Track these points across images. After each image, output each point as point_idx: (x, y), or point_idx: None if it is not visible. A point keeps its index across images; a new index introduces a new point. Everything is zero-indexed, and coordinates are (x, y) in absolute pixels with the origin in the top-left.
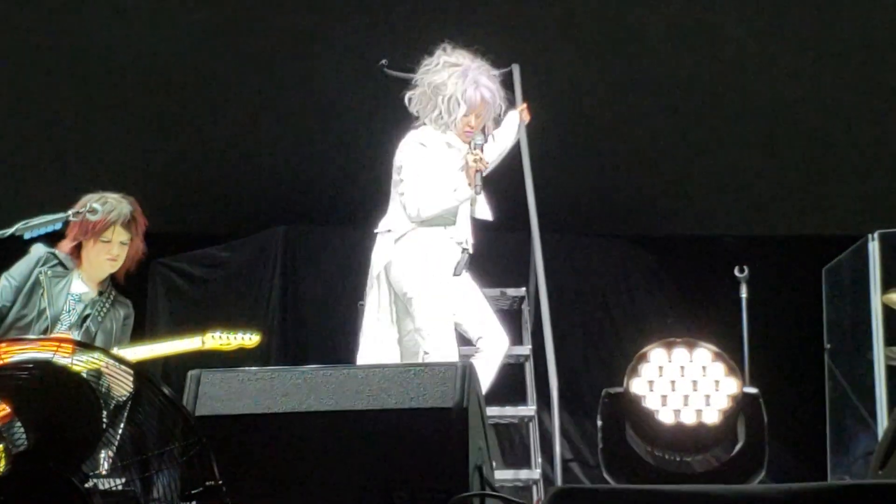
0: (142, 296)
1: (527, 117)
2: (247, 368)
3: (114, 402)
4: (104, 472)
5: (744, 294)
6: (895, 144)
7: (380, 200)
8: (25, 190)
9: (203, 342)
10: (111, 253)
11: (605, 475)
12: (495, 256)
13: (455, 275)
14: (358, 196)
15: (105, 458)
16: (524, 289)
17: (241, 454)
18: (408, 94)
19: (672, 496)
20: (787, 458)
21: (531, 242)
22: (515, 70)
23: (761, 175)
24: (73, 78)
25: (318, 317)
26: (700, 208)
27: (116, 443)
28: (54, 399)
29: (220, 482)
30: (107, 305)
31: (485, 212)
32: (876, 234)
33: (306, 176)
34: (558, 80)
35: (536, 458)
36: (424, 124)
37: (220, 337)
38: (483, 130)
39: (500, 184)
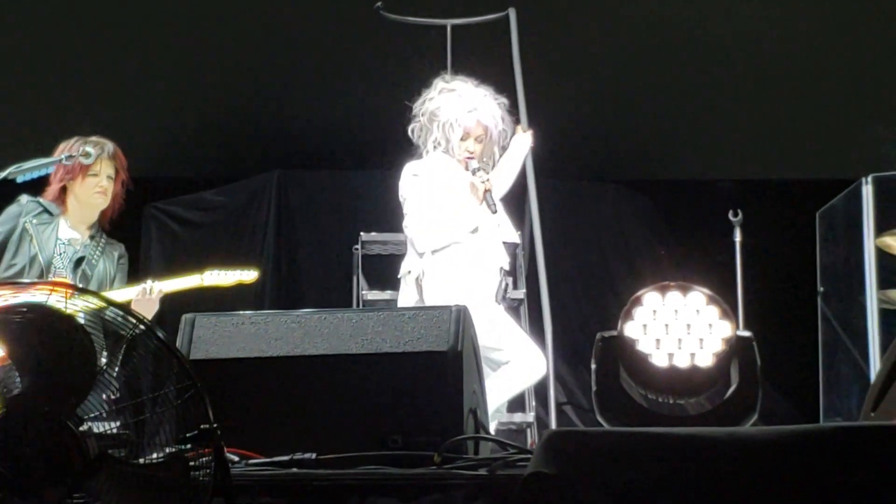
0: (135, 240)
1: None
2: (241, 312)
3: (108, 345)
4: (99, 416)
5: (738, 238)
6: (889, 88)
7: (374, 144)
8: (16, 133)
9: (202, 279)
10: (101, 185)
11: (599, 418)
12: None
13: (498, 301)
14: (352, 140)
15: (99, 401)
16: (519, 234)
17: (235, 398)
18: (409, 127)
19: (665, 438)
20: (780, 400)
21: (527, 187)
22: (512, 14)
23: (755, 119)
24: (64, 20)
25: (312, 261)
26: (695, 152)
27: (111, 386)
28: (48, 343)
29: (215, 425)
30: (99, 248)
31: (511, 235)
32: (870, 178)
33: (301, 120)
34: (554, 25)
35: (531, 401)
36: (424, 154)
37: (219, 274)
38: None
39: None
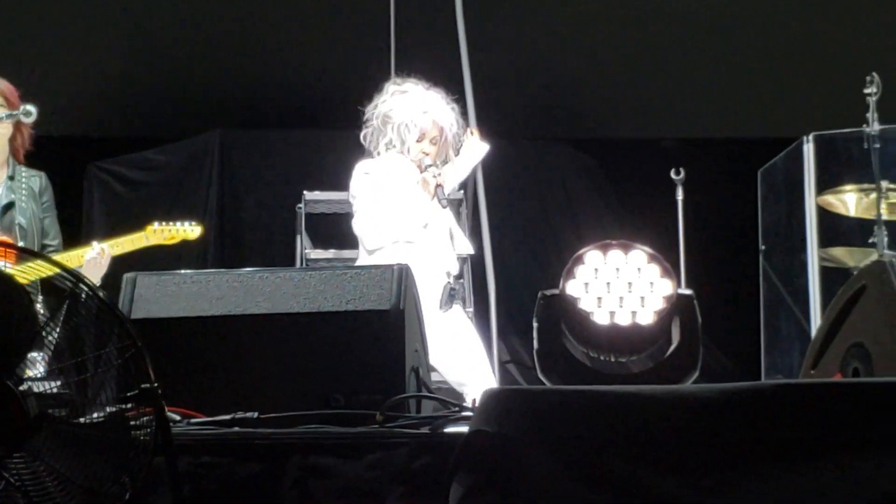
0: (77, 199)
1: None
2: (183, 271)
3: (48, 305)
4: (39, 376)
5: (680, 196)
6: (830, 47)
7: (317, 103)
8: None
9: (146, 237)
10: None
11: (541, 376)
12: None
13: (441, 309)
14: (295, 99)
15: (40, 361)
16: (462, 192)
17: (176, 357)
18: (361, 133)
19: (607, 396)
20: (722, 358)
21: None
22: None
23: (698, 78)
24: None
25: (255, 220)
26: (637, 111)
27: (52, 346)
28: None
29: (156, 385)
30: (23, 188)
31: (465, 246)
32: (811, 137)
33: (244, 79)
34: None
35: None
36: (376, 156)
37: (163, 230)
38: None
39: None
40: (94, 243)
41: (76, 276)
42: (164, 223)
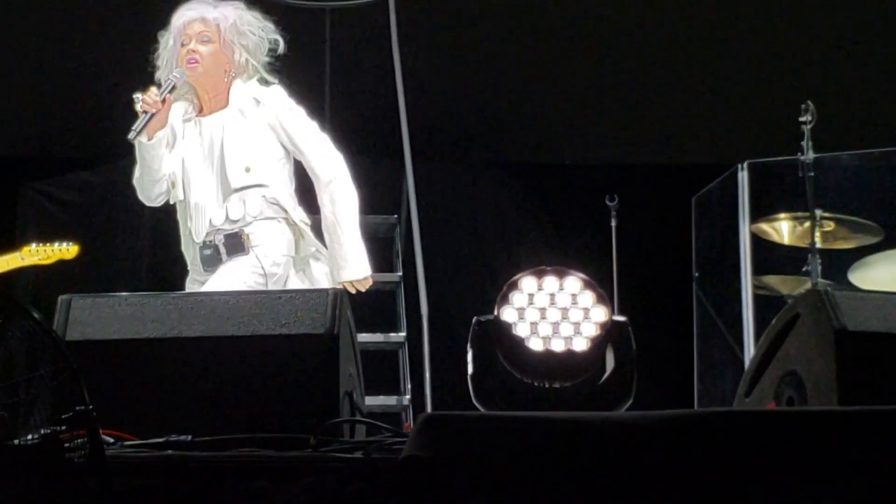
0: (11, 221)
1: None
2: (118, 294)
3: None
4: None
5: (614, 223)
6: (765, 74)
7: None
8: None
9: (22, 258)
10: None
11: (475, 402)
12: (367, 182)
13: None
14: None
15: None
16: (396, 216)
17: (111, 379)
18: None
19: (540, 423)
20: (656, 385)
21: (404, 169)
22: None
23: (633, 104)
24: None
25: None
26: (572, 137)
27: None
28: None
29: (90, 407)
30: None
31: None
32: (745, 164)
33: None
34: (432, 7)
35: (406, 384)
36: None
37: (38, 250)
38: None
39: (374, 109)
40: None
41: (9, 298)
42: (40, 244)
